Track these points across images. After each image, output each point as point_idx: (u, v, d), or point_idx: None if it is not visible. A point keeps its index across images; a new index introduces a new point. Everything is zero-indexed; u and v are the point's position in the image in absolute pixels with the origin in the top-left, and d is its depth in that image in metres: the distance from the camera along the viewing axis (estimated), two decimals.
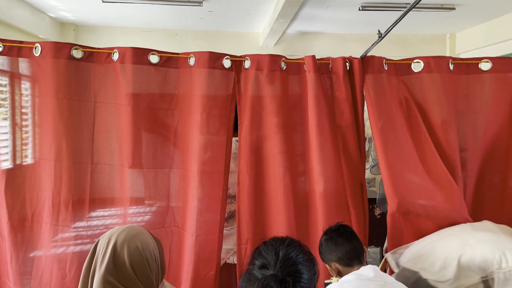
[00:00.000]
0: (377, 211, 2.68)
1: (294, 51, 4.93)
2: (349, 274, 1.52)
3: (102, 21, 4.71)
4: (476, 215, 1.90)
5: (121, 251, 1.27)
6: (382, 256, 2.67)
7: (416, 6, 1.49)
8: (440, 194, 1.83)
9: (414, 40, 5.23)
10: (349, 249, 1.60)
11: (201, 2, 3.83)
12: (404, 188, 1.83)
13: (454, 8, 4.02)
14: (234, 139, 1.89)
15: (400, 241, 1.83)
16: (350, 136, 1.87)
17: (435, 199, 1.83)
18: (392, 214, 1.82)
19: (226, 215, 1.92)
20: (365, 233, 1.91)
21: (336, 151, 1.85)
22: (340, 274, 1.60)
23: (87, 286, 1.28)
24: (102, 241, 1.32)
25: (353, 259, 1.60)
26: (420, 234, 1.80)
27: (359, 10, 4.01)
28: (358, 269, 1.53)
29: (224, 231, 1.89)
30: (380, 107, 1.85)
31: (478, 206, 1.93)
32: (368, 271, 1.49)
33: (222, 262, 1.91)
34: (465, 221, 1.80)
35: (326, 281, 1.72)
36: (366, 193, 1.93)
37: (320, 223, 1.82)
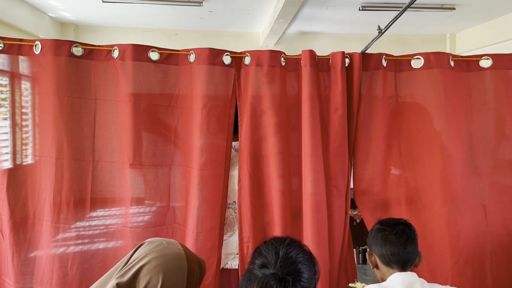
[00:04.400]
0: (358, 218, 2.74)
1: (294, 51, 4.90)
2: (374, 285, 1.44)
3: (102, 21, 4.73)
4: (483, 216, 1.89)
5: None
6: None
7: (417, 6, 1.48)
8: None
9: (414, 40, 5.24)
10: (397, 252, 1.44)
11: (201, 2, 3.84)
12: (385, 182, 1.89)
13: (454, 8, 4.03)
14: (233, 143, 1.89)
15: None
16: (342, 135, 1.85)
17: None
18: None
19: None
20: (345, 234, 1.90)
21: (326, 151, 1.85)
22: (377, 268, 1.51)
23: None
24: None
25: (396, 262, 1.46)
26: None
27: (359, 10, 4.02)
28: (395, 273, 1.43)
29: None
30: (371, 105, 1.87)
31: (486, 205, 1.91)
32: (397, 283, 1.39)
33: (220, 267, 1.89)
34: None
35: (350, 285, 1.70)
36: (349, 194, 1.92)
37: (309, 224, 1.80)
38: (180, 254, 1.22)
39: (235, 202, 1.91)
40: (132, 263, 1.20)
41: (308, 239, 1.80)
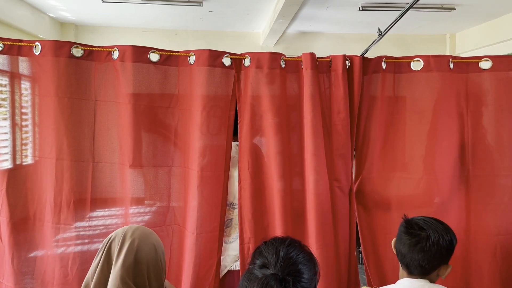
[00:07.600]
0: None
1: (294, 51, 4.94)
2: None
3: (102, 21, 4.72)
4: (477, 216, 1.89)
5: (138, 250, 1.28)
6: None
7: (416, 6, 1.49)
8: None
9: (414, 40, 5.24)
10: (404, 253, 1.40)
11: (201, 2, 3.84)
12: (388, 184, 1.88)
13: (454, 8, 4.03)
14: (234, 143, 1.89)
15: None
16: (345, 137, 1.85)
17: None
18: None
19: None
20: (351, 235, 1.90)
21: (329, 153, 1.85)
22: (396, 256, 1.50)
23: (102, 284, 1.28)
24: (117, 239, 1.32)
25: (401, 262, 1.43)
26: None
27: (359, 10, 4.02)
28: (405, 277, 1.43)
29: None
30: (372, 106, 1.88)
31: (480, 206, 1.92)
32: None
33: (225, 270, 1.89)
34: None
35: None
36: (353, 195, 1.92)
37: (313, 225, 1.80)
38: (144, 227, 1.39)
39: None
40: (117, 248, 1.30)
41: (313, 240, 1.80)
